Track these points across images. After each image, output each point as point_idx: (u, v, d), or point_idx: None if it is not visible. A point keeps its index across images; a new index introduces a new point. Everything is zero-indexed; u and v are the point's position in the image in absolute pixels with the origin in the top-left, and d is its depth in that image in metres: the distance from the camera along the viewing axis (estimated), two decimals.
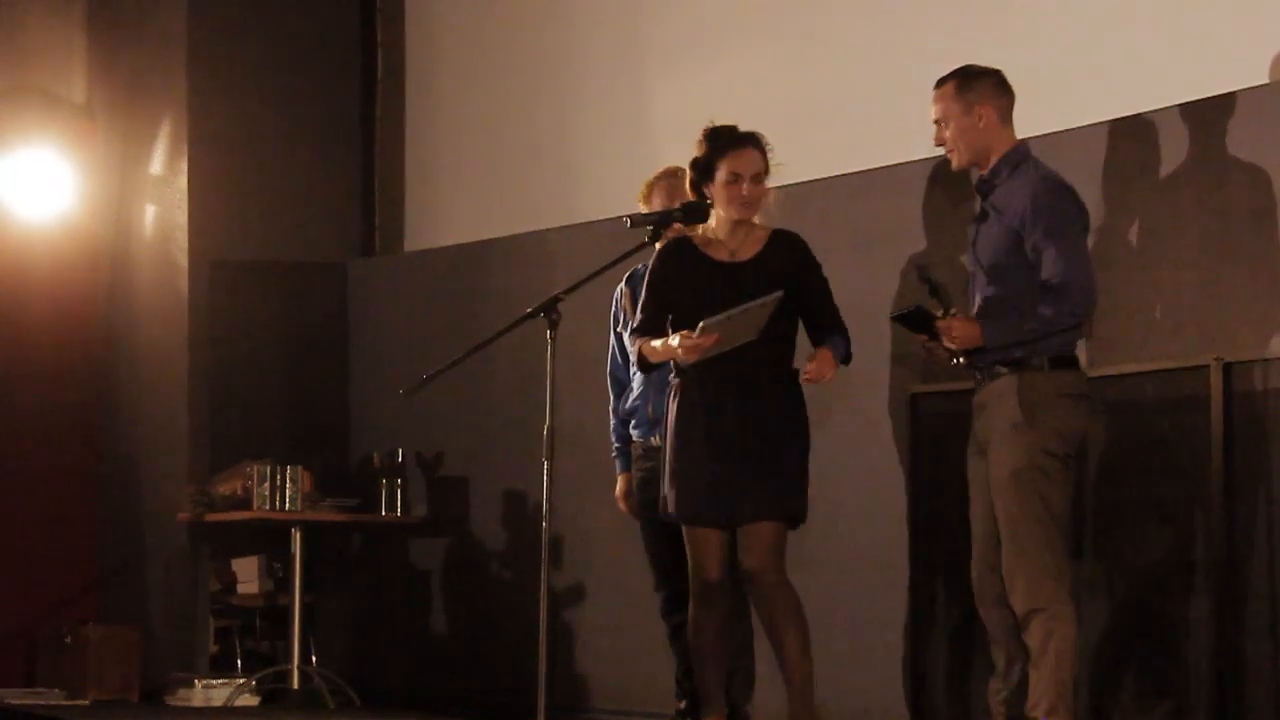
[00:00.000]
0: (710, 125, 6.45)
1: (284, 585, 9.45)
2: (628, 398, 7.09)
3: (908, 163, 7.35)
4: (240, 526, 9.42)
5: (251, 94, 9.99)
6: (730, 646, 6.62)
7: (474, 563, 9.41)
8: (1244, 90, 6.49)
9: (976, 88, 6.15)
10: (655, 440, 6.88)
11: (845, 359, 6.42)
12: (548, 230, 9.11)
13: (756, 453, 6.33)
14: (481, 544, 9.37)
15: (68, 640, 9.67)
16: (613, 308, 7.20)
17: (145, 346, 10.06)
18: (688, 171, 6.51)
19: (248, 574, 9.73)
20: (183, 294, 9.84)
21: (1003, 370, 6.05)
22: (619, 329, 7.16)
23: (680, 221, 6.65)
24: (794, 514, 6.40)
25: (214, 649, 9.78)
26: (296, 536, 9.17)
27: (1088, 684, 6.65)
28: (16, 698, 9.43)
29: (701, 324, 6.15)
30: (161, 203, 10.03)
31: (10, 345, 9.99)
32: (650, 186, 7.02)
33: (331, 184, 10.25)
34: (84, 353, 10.26)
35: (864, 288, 6.65)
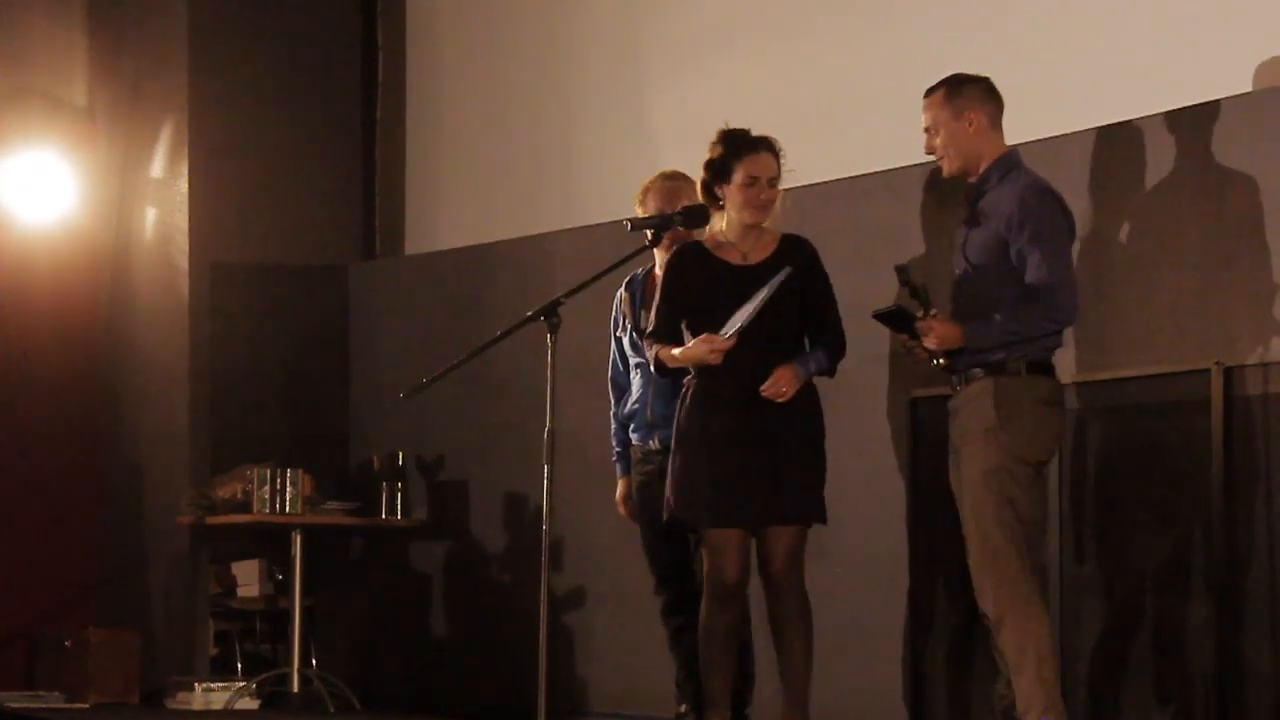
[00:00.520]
0: (725, 127, 6.48)
1: (284, 588, 9.45)
2: (627, 401, 7.09)
3: (905, 168, 7.35)
4: (241, 529, 9.42)
5: (252, 97, 10.00)
6: (736, 653, 6.62)
7: (474, 566, 9.40)
8: (1242, 95, 6.50)
9: (965, 95, 6.19)
10: (654, 444, 6.89)
11: (826, 372, 6.48)
12: (548, 234, 9.11)
13: (781, 455, 6.37)
14: (482, 547, 9.37)
15: (68, 643, 9.67)
16: (613, 312, 7.20)
17: (146, 349, 10.06)
18: (700, 171, 6.53)
19: (248, 577, 9.73)
20: (183, 297, 9.84)
21: (979, 374, 6.08)
22: (619, 333, 7.16)
23: (680, 226, 6.66)
24: (816, 518, 6.47)
25: (214, 652, 9.79)
26: (297, 540, 9.17)
27: (1087, 687, 6.66)
28: (16, 700, 9.43)
29: (728, 332, 6.25)
30: (162, 205, 10.03)
31: (11, 347, 9.99)
32: (646, 190, 7.03)
33: (332, 187, 10.25)
34: (85, 355, 10.26)
35: (861, 292, 6.65)
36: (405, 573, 9.70)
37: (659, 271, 6.99)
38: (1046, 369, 6.13)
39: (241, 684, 9.27)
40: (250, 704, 9.21)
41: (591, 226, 8.68)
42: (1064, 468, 6.74)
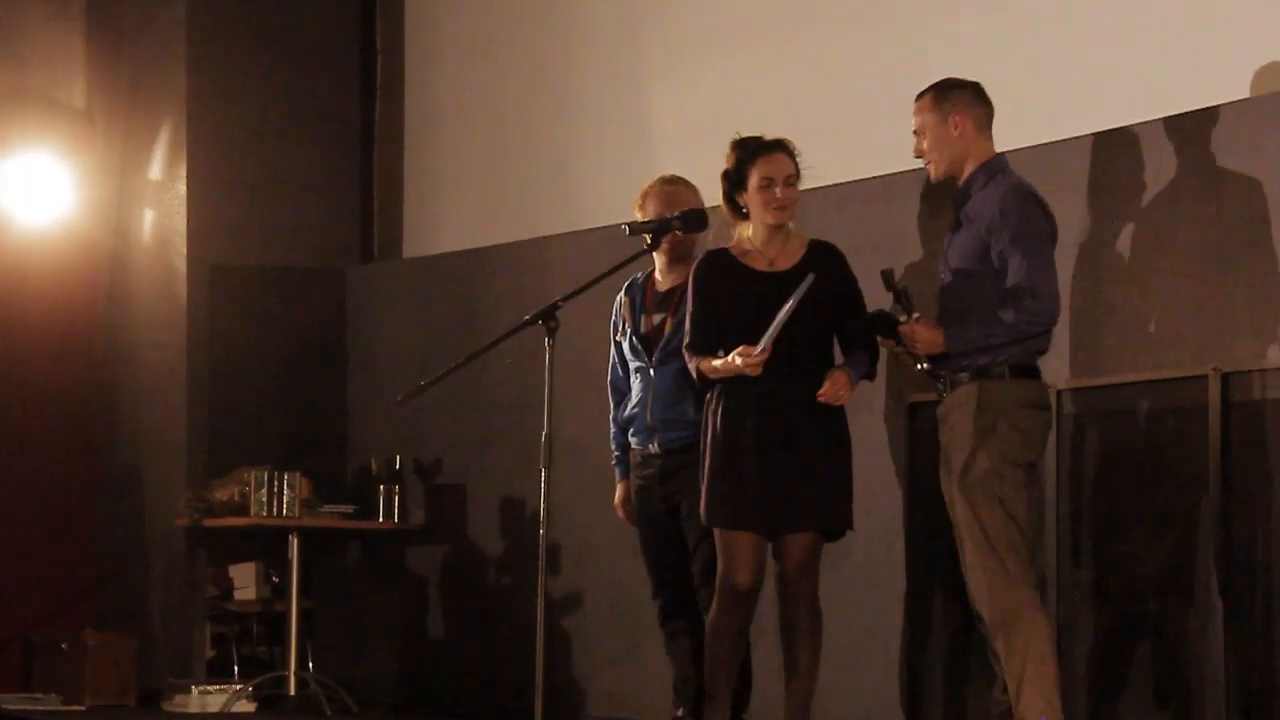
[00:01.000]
0: (737, 136, 6.49)
1: (281, 591, 9.45)
2: (626, 405, 7.09)
3: (902, 172, 7.35)
4: (238, 532, 9.42)
5: (251, 99, 10.00)
6: (742, 653, 6.62)
7: (471, 569, 9.40)
8: (1241, 101, 6.50)
9: (953, 98, 6.20)
10: (654, 448, 6.89)
11: (868, 375, 6.50)
12: (546, 237, 9.11)
13: (804, 461, 6.36)
14: (479, 551, 9.37)
15: (64, 645, 9.66)
16: (612, 316, 7.20)
17: (144, 351, 10.06)
18: (720, 184, 6.53)
19: (245, 580, 9.73)
20: (181, 299, 9.84)
21: (964, 379, 6.09)
22: (618, 337, 7.16)
23: (679, 230, 6.67)
24: (838, 526, 6.47)
25: (211, 654, 9.78)
26: (294, 542, 9.17)
27: (1085, 692, 6.66)
28: (13, 703, 9.42)
29: (763, 344, 6.24)
30: (160, 208, 10.03)
31: (9, 349, 9.98)
32: (645, 195, 7.03)
33: (330, 190, 10.25)
34: (82, 357, 10.26)
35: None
36: (402, 576, 9.70)
37: (659, 276, 7.00)
38: (1031, 372, 6.13)
39: (238, 686, 9.27)
40: (247, 706, 9.21)
41: (589, 230, 8.68)
42: (1061, 473, 6.75)
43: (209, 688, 9.27)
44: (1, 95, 10.16)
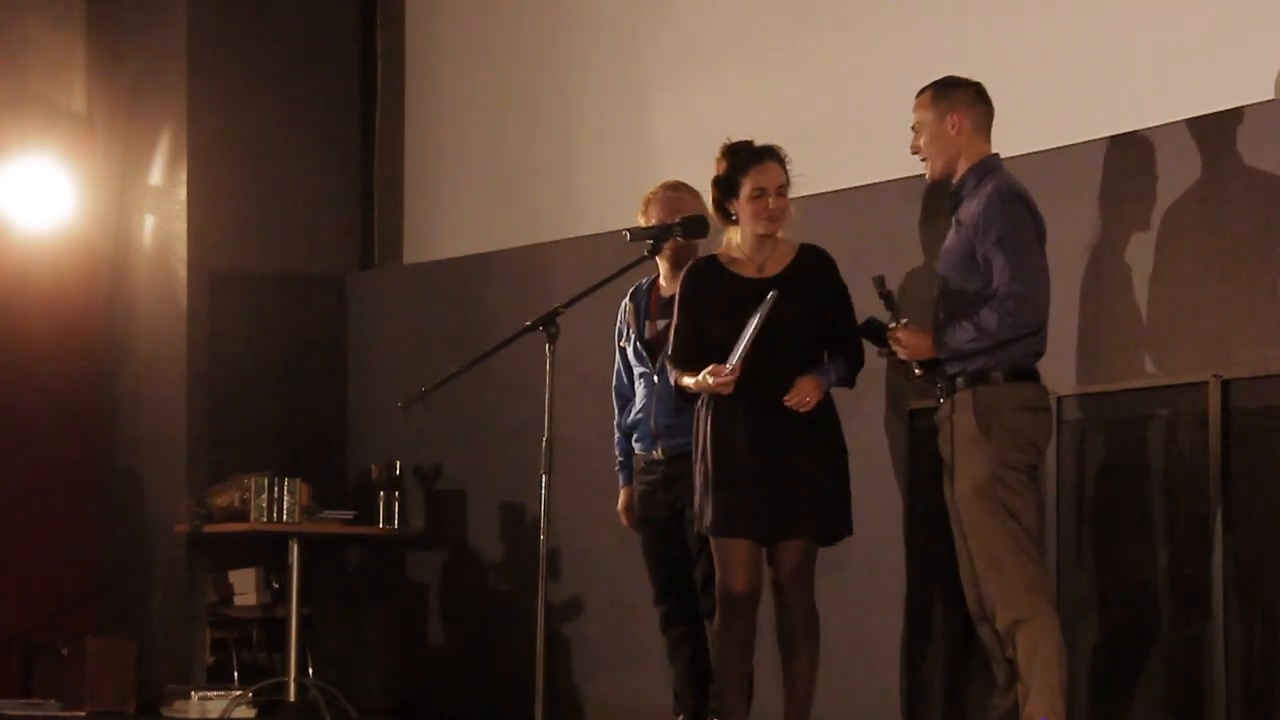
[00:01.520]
0: (728, 142, 6.47)
1: (281, 597, 9.44)
2: (630, 411, 7.09)
3: (900, 179, 7.36)
4: (238, 538, 9.41)
5: (251, 105, 10.00)
6: (749, 664, 6.60)
7: (471, 575, 9.40)
8: (1242, 107, 6.50)
9: (952, 97, 6.18)
10: (657, 454, 6.89)
11: (844, 382, 6.47)
12: (546, 244, 9.12)
13: (795, 467, 6.35)
14: (479, 557, 9.36)
15: (64, 651, 9.66)
16: (617, 322, 7.20)
17: (144, 357, 10.06)
18: (709, 190, 6.52)
19: (245, 585, 9.72)
20: (181, 305, 9.84)
21: (960, 385, 6.07)
22: (622, 343, 7.16)
23: (680, 236, 6.66)
24: (833, 532, 6.45)
25: (211, 660, 9.78)
26: (294, 548, 9.15)
27: (1086, 700, 6.65)
28: (13, 709, 9.42)
29: (732, 361, 6.23)
30: (160, 213, 10.03)
31: (9, 355, 9.98)
32: (648, 201, 7.03)
33: (330, 196, 10.25)
34: (82, 363, 10.26)
35: (856, 304, 6.63)
36: (402, 582, 9.69)
37: (663, 282, 7.00)
38: (1028, 375, 6.09)
39: (238, 692, 9.27)
40: (247, 712, 9.21)
41: (590, 236, 8.69)
42: (1061, 480, 6.75)
43: (209, 693, 9.27)
44: (2, 100, 10.17)
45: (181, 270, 9.86)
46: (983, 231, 6.01)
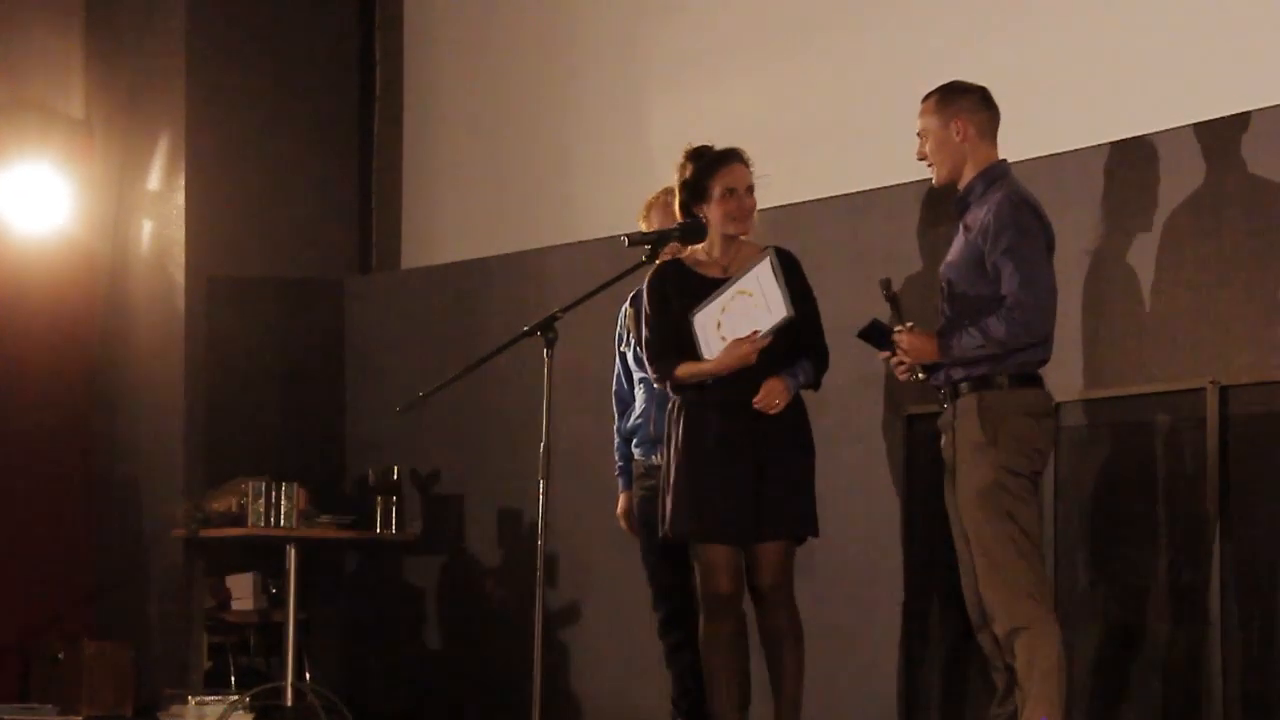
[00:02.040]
0: (690, 147, 6.49)
1: (278, 602, 9.44)
2: (630, 416, 7.09)
3: (903, 184, 7.36)
4: (235, 543, 9.41)
5: (249, 110, 10.00)
6: (742, 667, 6.59)
7: (469, 580, 9.40)
8: (1244, 113, 6.50)
9: (957, 102, 6.17)
10: (657, 459, 6.89)
11: (810, 384, 6.48)
12: (545, 248, 9.12)
13: (767, 469, 6.35)
14: (477, 561, 9.36)
15: (61, 655, 9.65)
16: (617, 327, 7.20)
17: (141, 362, 10.06)
18: (676, 194, 6.54)
19: (242, 590, 9.71)
20: (179, 309, 9.83)
21: (965, 390, 6.06)
22: (622, 348, 7.16)
23: (679, 241, 6.66)
24: (801, 532, 6.45)
25: (208, 665, 9.76)
26: (291, 553, 9.15)
27: (1086, 704, 6.65)
28: (10, 714, 9.41)
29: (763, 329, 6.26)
30: (159, 218, 10.03)
31: (6, 360, 9.97)
32: (649, 206, 7.03)
33: (329, 200, 10.25)
34: (80, 367, 10.25)
35: (856, 309, 6.65)
36: (400, 587, 9.69)
37: None
38: (1033, 380, 6.09)
39: (235, 697, 9.25)
40: (244, 717, 9.19)
41: (588, 242, 8.69)
42: (1059, 485, 6.75)
43: (206, 698, 9.25)
44: (0, 105, 10.16)
45: (179, 275, 9.85)
46: (992, 239, 6.00)
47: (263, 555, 9.56)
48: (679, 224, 6.66)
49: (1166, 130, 6.67)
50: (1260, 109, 6.49)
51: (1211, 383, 6.36)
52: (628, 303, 7.12)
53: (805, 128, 8.05)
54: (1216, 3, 6.84)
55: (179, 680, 9.57)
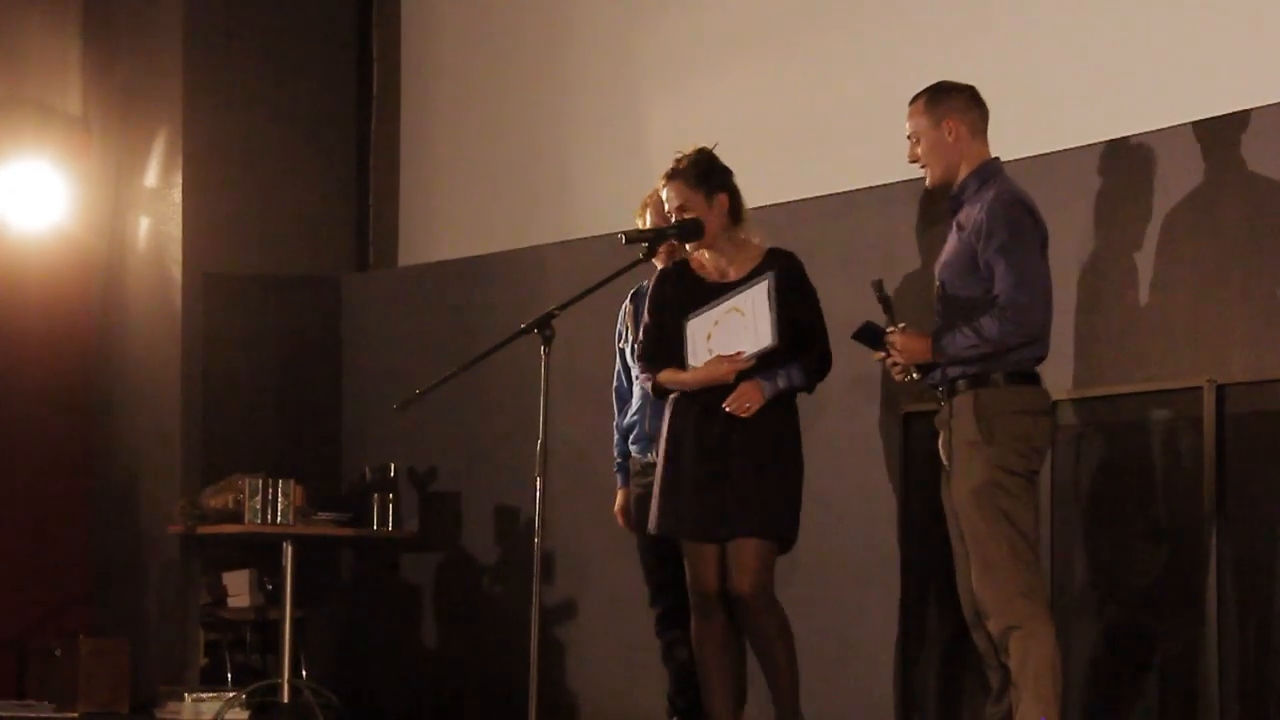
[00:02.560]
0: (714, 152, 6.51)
1: (275, 599, 9.44)
2: (627, 413, 7.10)
3: (898, 182, 7.36)
4: (231, 540, 9.40)
5: (247, 107, 10.00)
6: (735, 663, 6.59)
7: (465, 578, 9.40)
8: (1239, 112, 6.50)
9: (946, 103, 6.15)
10: (652, 457, 6.90)
11: (802, 386, 6.48)
12: (542, 246, 9.12)
13: (743, 470, 6.36)
14: (473, 559, 9.36)
15: (58, 652, 9.65)
16: (617, 323, 7.20)
17: (138, 358, 10.06)
18: (732, 194, 6.53)
19: (239, 587, 9.71)
20: (176, 306, 9.83)
21: (961, 388, 6.05)
22: (621, 344, 7.16)
23: (676, 239, 6.66)
24: (780, 534, 6.43)
25: (204, 662, 9.77)
26: (288, 550, 9.15)
27: (1079, 706, 6.65)
28: (6, 710, 9.41)
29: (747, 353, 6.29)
30: (156, 215, 10.03)
31: (3, 356, 9.97)
32: (645, 205, 7.03)
33: (326, 198, 10.25)
34: (77, 364, 10.25)
35: (851, 308, 6.66)
36: (396, 584, 9.69)
37: None
38: (1029, 378, 6.06)
39: (231, 694, 9.26)
40: (240, 714, 9.20)
41: (586, 239, 8.69)
42: (1055, 484, 6.75)
43: (202, 695, 9.26)
44: None
45: (176, 272, 9.85)
46: (985, 238, 5.99)
47: (259, 552, 9.56)
48: (676, 222, 6.67)
49: (1163, 129, 6.68)
50: (1257, 107, 6.49)
51: (1208, 381, 6.36)
52: (628, 299, 7.13)
53: (800, 126, 8.05)
54: (1212, 2, 6.84)
55: (175, 677, 9.58)
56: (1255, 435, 6.29)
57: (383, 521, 9.36)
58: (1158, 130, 6.70)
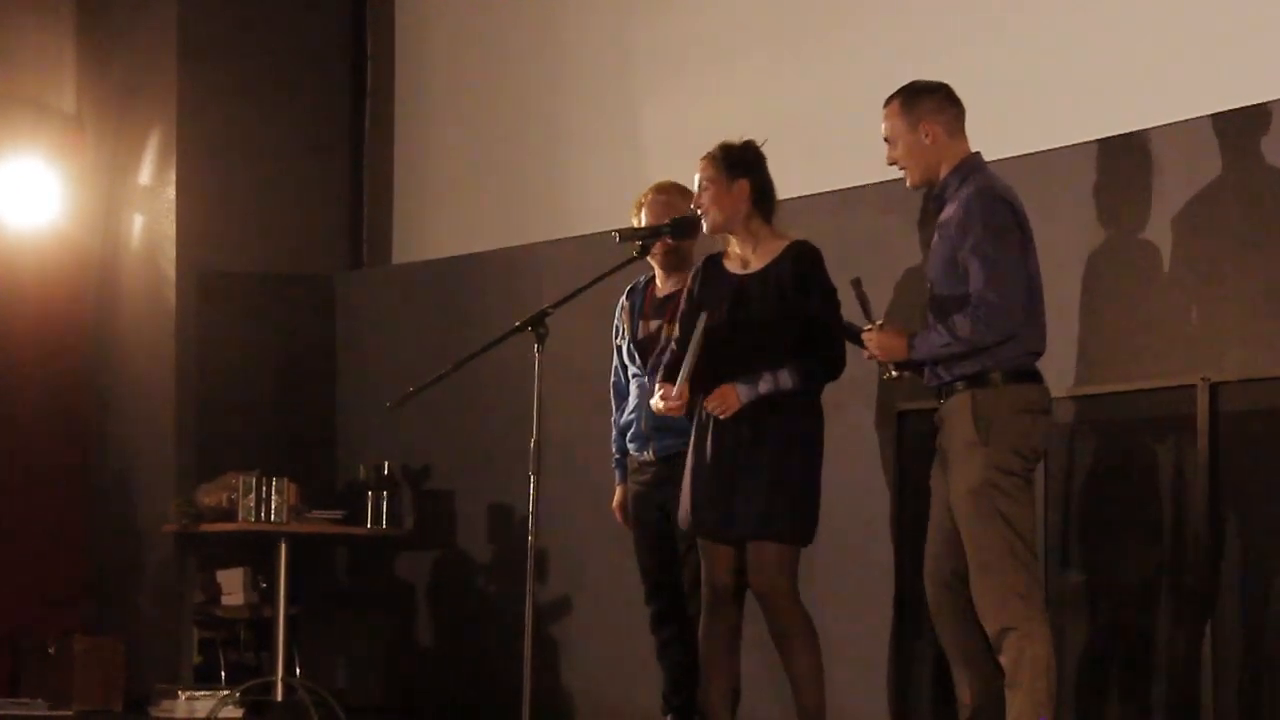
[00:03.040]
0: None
1: (269, 597, 9.45)
2: (624, 410, 7.09)
3: (890, 181, 7.34)
4: (226, 538, 9.41)
5: (241, 105, 10.00)
6: (737, 662, 6.58)
7: (460, 576, 9.40)
8: (1234, 110, 6.51)
9: (921, 105, 6.09)
10: (648, 455, 6.90)
11: (796, 389, 6.38)
12: (536, 244, 9.12)
13: (761, 468, 6.32)
14: (467, 557, 9.36)
15: (52, 650, 9.66)
16: (615, 320, 7.20)
17: (132, 357, 10.06)
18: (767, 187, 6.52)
19: (233, 585, 9.72)
20: (170, 304, 9.84)
21: (959, 387, 6.02)
22: (618, 341, 7.16)
23: (670, 236, 6.66)
24: (792, 537, 6.38)
25: (198, 660, 9.77)
26: (282, 548, 9.16)
27: (1072, 705, 6.65)
28: (0, 707, 9.40)
29: (677, 389, 6.31)
30: (150, 213, 10.03)
31: None
32: (640, 205, 7.03)
33: (320, 196, 10.25)
34: (71, 362, 10.25)
35: (847, 305, 6.66)
36: (391, 582, 9.69)
37: (658, 283, 7.01)
38: (1027, 376, 6.01)
39: (225, 692, 9.26)
40: (234, 712, 9.20)
41: (580, 237, 8.69)
42: (1050, 483, 6.74)
43: (196, 693, 9.26)
44: None
45: (170, 270, 9.86)
46: (961, 235, 5.95)
47: (254, 550, 9.57)
48: (671, 219, 6.67)
49: (1158, 127, 6.68)
50: (1252, 105, 6.50)
51: (1202, 380, 6.36)
52: (625, 296, 7.12)
53: (792, 124, 8.03)
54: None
55: (169, 675, 9.58)
56: (1249, 434, 6.29)
57: (377, 520, 9.36)
58: (1153, 128, 6.70)
